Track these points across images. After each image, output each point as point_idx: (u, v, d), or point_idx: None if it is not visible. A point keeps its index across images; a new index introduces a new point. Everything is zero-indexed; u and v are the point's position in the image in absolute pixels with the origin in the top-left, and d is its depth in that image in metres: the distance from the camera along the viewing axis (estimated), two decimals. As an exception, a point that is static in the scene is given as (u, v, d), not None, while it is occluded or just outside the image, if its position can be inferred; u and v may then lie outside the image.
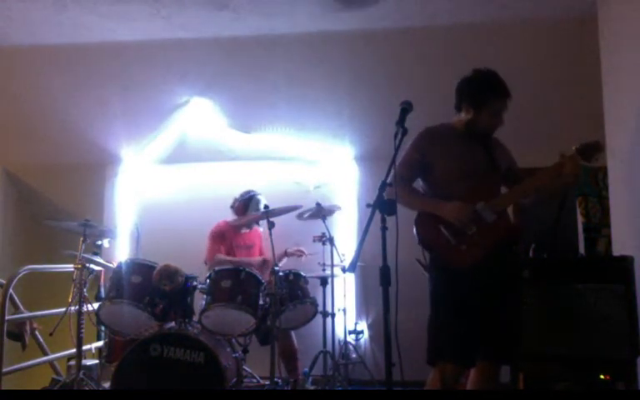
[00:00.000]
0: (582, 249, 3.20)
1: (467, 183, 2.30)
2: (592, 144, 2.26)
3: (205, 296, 3.14)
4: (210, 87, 4.47)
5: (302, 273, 3.52)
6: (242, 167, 4.74)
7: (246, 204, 3.97)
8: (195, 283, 3.16)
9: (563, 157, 2.25)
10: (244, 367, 3.41)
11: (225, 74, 4.36)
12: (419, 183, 2.45)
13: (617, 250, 2.99)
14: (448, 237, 2.24)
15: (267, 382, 3.14)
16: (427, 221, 2.29)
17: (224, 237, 3.88)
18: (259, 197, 3.99)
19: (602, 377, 2.60)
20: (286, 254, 4.11)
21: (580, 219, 3.25)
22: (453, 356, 2.20)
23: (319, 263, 4.04)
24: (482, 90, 2.34)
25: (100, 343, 3.96)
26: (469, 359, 2.23)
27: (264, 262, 3.83)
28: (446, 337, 2.23)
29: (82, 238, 3.23)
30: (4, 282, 3.21)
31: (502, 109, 2.35)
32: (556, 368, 2.66)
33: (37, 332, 3.85)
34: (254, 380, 3.65)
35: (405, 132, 2.01)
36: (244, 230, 3.99)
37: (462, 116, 2.39)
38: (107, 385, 3.22)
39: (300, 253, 4.12)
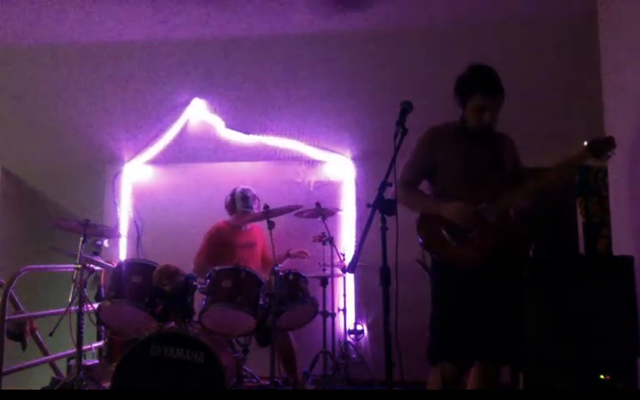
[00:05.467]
0: (582, 249, 3.20)
1: (470, 183, 2.28)
2: (605, 140, 2.17)
3: (205, 296, 3.14)
4: (210, 87, 4.47)
5: (302, 273, 3.52)
6: (242, 167, 4.74)
7: (232, 202, 3.95)
8: (195, 283, 3.16)
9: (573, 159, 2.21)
10: (244, 367, 3.41)
11: (225, 74, 4.36)
12: (425, 186, 2.41)
13: (617, 250, 2.99)
14: (449, 239, 2.23)
15: (267, 382, 3.14)
16: (429, 223, 2.27)
17: (219, 237, 3.86)
18: (240, 190, 3.92)
19: (602, 377, 2.59)
20: (288, 255, 4.10)
21: (580, 219, 3.24)
22: (451, 356, 2.19)
23: (319, 263, 4.04)
24: (465, 86, 2.28)
25: (100, 343, 3.95)
26: (467, 359, 2.23)
27: None
28: (445, 337, 2.22)
29: (82, 238, 3.23)
30: (4, 282, 3.21)
31: (488, 106, 2.23)
32: (556, 368, 2.66)
33: (37, 332, 3.85)
34: (254, 380, 3.65)
35: (405, 131, 2.01)
36: (244, 228, 3.98)
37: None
38: (107, 385, 3.21)
39: (303, 255, 4.12)
